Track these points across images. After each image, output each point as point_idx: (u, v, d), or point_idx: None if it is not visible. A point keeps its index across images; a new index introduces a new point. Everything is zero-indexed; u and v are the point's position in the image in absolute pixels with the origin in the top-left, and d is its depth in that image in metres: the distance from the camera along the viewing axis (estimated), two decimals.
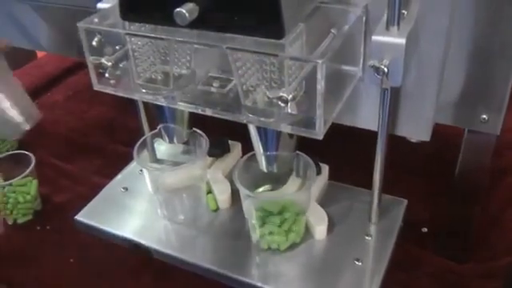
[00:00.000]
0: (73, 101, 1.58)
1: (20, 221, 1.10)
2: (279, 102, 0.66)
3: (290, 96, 0.65)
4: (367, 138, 0.85)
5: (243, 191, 0.87)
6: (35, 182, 1.11)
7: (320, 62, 0.63)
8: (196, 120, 0.96)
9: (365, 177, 0.90)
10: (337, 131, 0.73)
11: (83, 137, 1.39)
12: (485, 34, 0.76)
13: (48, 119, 1.34)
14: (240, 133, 0.89)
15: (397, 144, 0.85)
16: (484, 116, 0.81)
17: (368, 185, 0.90)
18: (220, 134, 1.01)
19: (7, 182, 1.08)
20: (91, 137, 1.39)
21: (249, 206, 0.89)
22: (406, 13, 0.72)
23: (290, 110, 0.68)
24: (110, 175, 1.13)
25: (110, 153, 1.31)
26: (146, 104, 1.02)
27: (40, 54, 1.85)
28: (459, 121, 0.84)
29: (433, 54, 0.76)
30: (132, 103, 1.00)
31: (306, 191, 0.89)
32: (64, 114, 1.50)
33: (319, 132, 0.68)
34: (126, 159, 1.14)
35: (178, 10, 0.65)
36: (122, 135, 1.36)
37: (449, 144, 1.02)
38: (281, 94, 0.66)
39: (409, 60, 0.72)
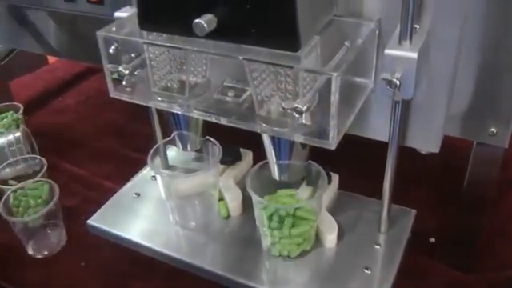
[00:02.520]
0: (84, 106, 1.59)
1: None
2: (294, 113, 0.67)
3: (305, 107, 0.67)
4: (376, 147, 0.86)
5: (256, 198, 0.88)
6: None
7: (335, 74, 0.64)
8: (208, 128, 0.97)
9: (374, 186, 0.91)
10: (346, 141, 0.74)
11: (94, 142, 1.40)
12: (493, 47, 0.76)
13: (60, 124, 1.35)
14: (251, 141, 0.90)
15: (406, 155, 0.86)
16: (492, 129, 0.82)
17: (377, 194, 0.91)
18: (231, 141, 1.02)
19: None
20: (102, 142, 1.40)
21: (260, 214, 0.90)
22: (418, 27, 0.73)
23: (304, 121, 0.69)
24: (121, 180, 1.14)
25: (121, 158, 1.32)
26: (159, 111, 1.03)
27: (52, 59, 1.86)
28: (468, 133, 0.85)
29: (443, 67, 0.76)
30: (144, 110, 1.01)
31: (317, 199, 0.90)
32: (75, 118, 1.51)
33: (332, 142, 0.70)
34: (137, 165, 1.15)
35: (196, 21, 0.66)
36: (133, 141, 1.37)
37: (457, 156, 1.03)
38: (296, 105, 0.67)
39: (420, 73, 0.73)
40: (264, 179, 0.92)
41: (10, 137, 1.24)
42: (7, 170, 1.17)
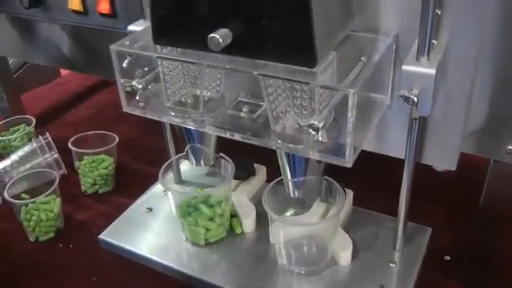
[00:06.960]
0: (97, 118, 1.59)
1: (42, 238, 1.10)
2: (310, 130, 0.67)
3: (321, 124, 0.66)
4: (392, 163, 0.85)
5: (273, 216, 0.87)
6: (58, 200, 1.11)
7: (352, 91, 0.63)
8: (222, 142, 0.96)
9: (389, 203, 0.90)
10: (361, 156, 0.73)
11: None
12: (510, 64, 0.76)
13: (72, 136, 1.34)
14: (265, 155, 0.89)
15: (421, 171, 0.85)
16: (510, 147, 0.81)
17: (392, 211, 0.90)
18: (245, 156, 1.01)
19: (31, 200, 1.09)
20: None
21: (277, 231, 0.89)
22: (435, 42, 0.72)
23: (320, 138, 0.68)
24: (132, 194, 1.13)
25: (133, 172, 1.32)
26: (172, 126, 1.02)
27: (64, 71, 1.86)
28: (484, 151, 0.84)
29: (461, 84, 0.75)
30: (158, 122, 1.00)
31: (335, 217, 0.89)
32: (88, 131, 1.50)
33: (349, 160, 0.69)
34: (149, 179, 1.14)
35: (211, 35, 0.65)
36: (146, 154, 1.36)
37: (473, 173, 1.01)
38: (312, 121, 0.66)
39: (437, 89, 0.72)
40: (279, 195, 0.91)
41: (32, 147, 1.25)
42: (19, 183, 1.17)
